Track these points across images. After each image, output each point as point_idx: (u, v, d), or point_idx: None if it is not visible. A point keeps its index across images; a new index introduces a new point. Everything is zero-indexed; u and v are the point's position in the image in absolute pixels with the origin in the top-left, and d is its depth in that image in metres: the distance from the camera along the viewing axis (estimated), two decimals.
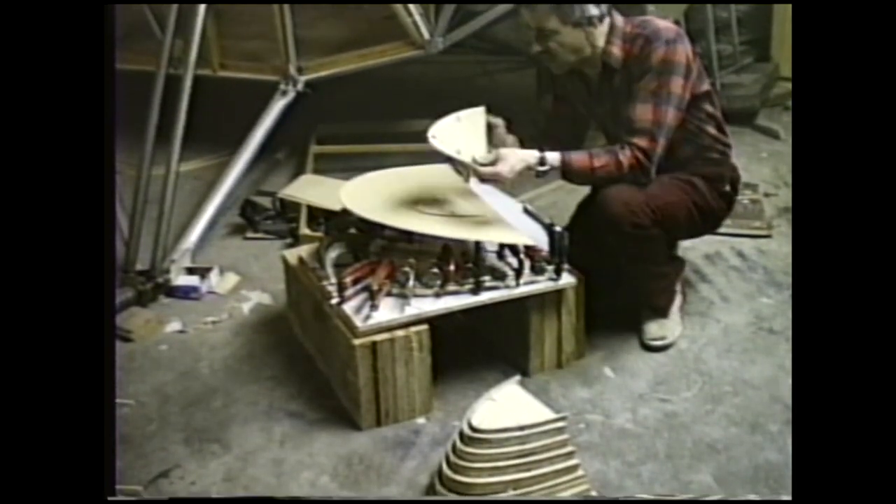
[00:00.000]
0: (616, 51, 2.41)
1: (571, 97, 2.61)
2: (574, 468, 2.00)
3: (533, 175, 2.40)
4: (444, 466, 1.97)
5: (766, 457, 2.12)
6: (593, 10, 2.36)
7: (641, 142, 2.36)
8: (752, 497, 2.01)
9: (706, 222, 2.61)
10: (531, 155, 2.37)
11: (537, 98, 4.35)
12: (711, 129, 2.52)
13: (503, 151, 2.36)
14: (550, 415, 2.00)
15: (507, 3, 3.79)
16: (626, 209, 2.37)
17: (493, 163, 2.34)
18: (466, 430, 1.96)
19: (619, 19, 2.44)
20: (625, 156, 2.36)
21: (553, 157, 2.37)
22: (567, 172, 2.39)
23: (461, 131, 2.44)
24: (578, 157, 2.38)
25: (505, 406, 2.04)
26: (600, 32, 2.40)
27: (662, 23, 2.43)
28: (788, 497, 1.92)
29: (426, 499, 2.03)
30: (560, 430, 1.99)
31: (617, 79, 2.44)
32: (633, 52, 2.40)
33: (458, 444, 1.96)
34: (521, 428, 1.95)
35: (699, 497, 2.02)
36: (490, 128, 2.50)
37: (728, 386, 2.40)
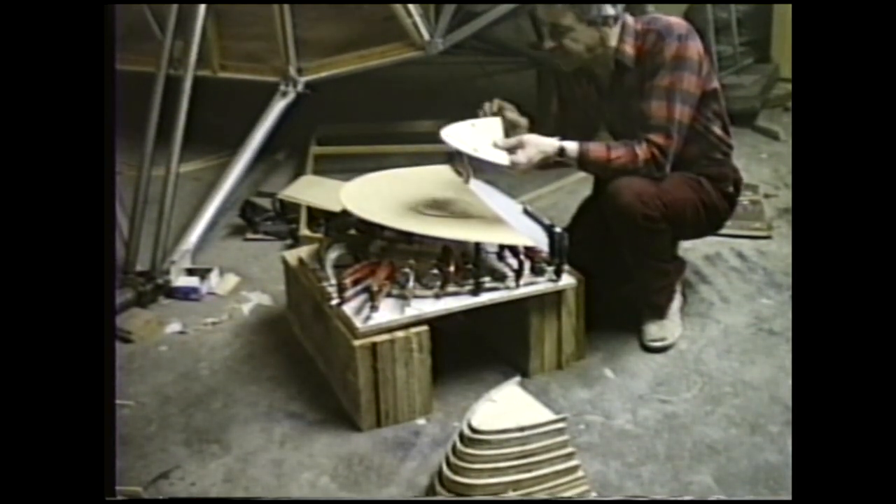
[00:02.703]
0: (629, 49, 2.42)
1: (578, 97, 2.61)
2: (574, 469, 2.00)
3: (551, 164, 2.42)
4: (444, 467, 1.97)
5: (765, 458, 2.12)
6: (609, 9, 2.36)
7: (657, 138, 2.37)
8: (752, 498, 2.01)
9: (710, 222, 2.61)
10: (550, 145, 2.37)
11: (537, 100, 4.35)
12: (717, 129, 2.52)
13: (525, 138, 2.37)
14: (550, 416, 2.00)
15: (507, 4, 3.79)
16: (637, 200, 2.37)
17: (513, 149, 2.35)
18: (466, 432, 1.96)
19: (629, 18, 2.44)
20: (641, 150, 2.37)
21: (571, 147, 2.37)
22: (583, 163, 2.41)
23: (475, 135, 2.43)
24: (595, 148, 2.39)
25: (505, 407, 2.04)
26: (613, 32, 2.41)
27: (673, 19, 2.45)
28: (788, 497, 1.92)
29: (426, 499, 2.03)
30: (560, 431, 2.00)
31: (629, 77, 2.44)
32: (644, 48, 2.41)
33: (458, 445, 1.96)
34: (522, 429, 1.95)
35: (699, 498, 2.02)
36: (513, 127, 2.49)
37: (728, 387, 2.40)
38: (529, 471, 1.95)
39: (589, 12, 2.34)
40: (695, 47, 2.40)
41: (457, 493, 1.95)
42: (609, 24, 2.38)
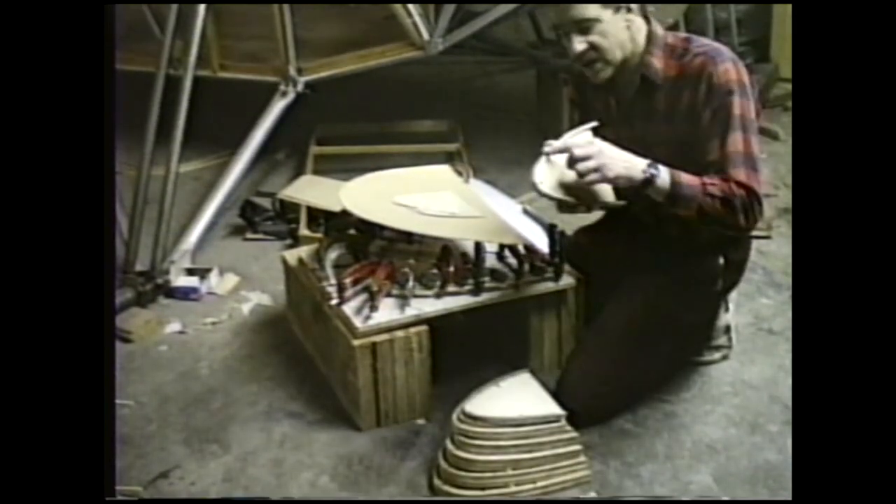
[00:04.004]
0: (656, 62, 2.14)
1: (600, 110, 2.29)
2: (576, 454, 2.04)
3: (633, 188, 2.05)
4: (448, 443, 2.03)
5: (765, 457, 2.12)
6: None
7: (741, 175, 2.03)
8: (752, 497, 2.01)
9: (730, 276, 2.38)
10: (639, 163, 2.02)
11: (537, 100, 4.35)
12: None
13: (604, 147, 2.03)
14: (546, 411, 2.03)
15: (507, 4, 3.79)
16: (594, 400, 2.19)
17: (586, 159, 2.00)
18: (460, 415, 2.03)
19: (658, 28, 2.18)
20: (731, 186, 2.03)
21: (664, 171, 2.02)
22: (676, 188, 2.03)
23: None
24: (686, 175, 2.04)
25: (508, 393, 2.09)
26: (639, 28, 2.15)
27: (715, 42, 2.19)
28: (788, 497, 1.92)
29: (426, 499, 2.04)
30: (561, 429, 2.02)
31: (659, 97, 2.16)
32: (686, 70, 2.12)
33: (456, 423, 2.02)
34: (519, 422, 2.00)
35: (699, 497, 2.02)
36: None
37: (727, 386, 2.40)
38: (530, 451, 2.00)
39: None
40: (746, 71, 2.13)
41: (457, 467, 1.99)
42: (633, 12, 2.12)
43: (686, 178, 2.03)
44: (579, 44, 2.10)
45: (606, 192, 2.13)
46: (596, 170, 1.99)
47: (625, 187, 2.06)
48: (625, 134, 2.22)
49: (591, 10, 2.07)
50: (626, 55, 2.14)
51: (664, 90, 2.16)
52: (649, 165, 2.02)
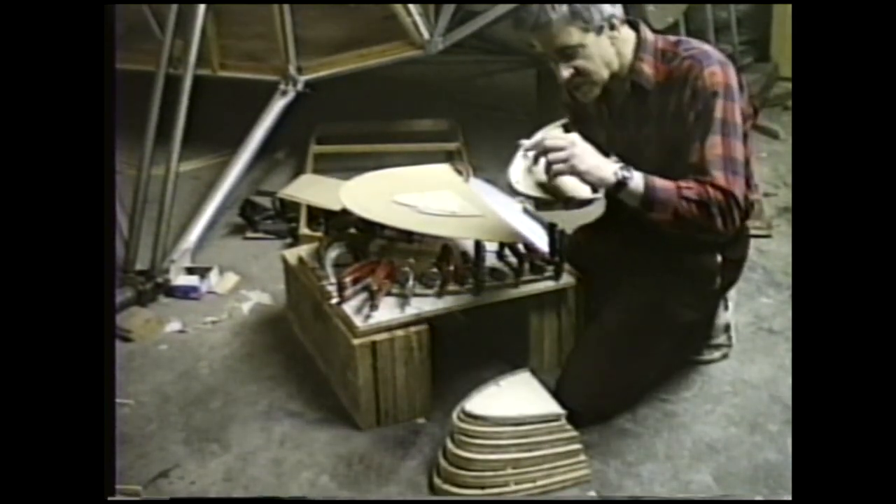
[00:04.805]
0: (647, 68, 2.12)
1: (593, 116, 2.30)
2: (576, 452, 2.04)
3: (595, 193, 2.10)
4: (448, 442, 2.03)
5: (765, 457, 2.12)
6: (608, 8, 2.06)
7: (719, 178, 2.00)
8: (752, 497, 2.01)
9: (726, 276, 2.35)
10: (610, 165, 2.03)
11: (537, 99, 4.35)
12: None
13: (578, 140, 2.04)
14: (546, 410, 2.03)
15: (507, 3, 3.79)
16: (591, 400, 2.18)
17: (559, 149, 2.02)
18: (461, 414, 2.03)
19: (648, 33, 2.16)
20: (708, 189, 2.01)
21: (637, 174, 2.02)
22: (650, 192, 2.01)
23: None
24: (660, 179, 2.03)
25: (508, 393, 2.09)
26: (625, 39, 2.12)
27: (705, 44, 2.17)
28: (788, 497, 1.92)
29: (426, 499, 2.04)
30: (561, 428, 2.02)
31: (651, 101, 2.15)
32: (674, 73, 2.10)
33: (457, 421, 2.02)
34: (519, 421, 2.00)
35: (699, 497, 2.02)
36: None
37: (728, 386, 2.40)
38: (530, 450, 2.00)
39: (592, 20, 2.03)
40: (735, 75, 2.12)
41: (457, 466, 1.99)
42: (616, 27, 2.09)
43: (660, 183, 2.02)
44: (565, 70, 2.09)
45: (582, 188, 2.14)
46: (565, 160, 2.00)
47: (597, 186, 2.08)
48: (617, 137, 2.23)
49: (574, 38, 2.05)
50: (613, 70, 2.13)
51: (654, 94, 2.14)
52: (621, 168, 2.02)
